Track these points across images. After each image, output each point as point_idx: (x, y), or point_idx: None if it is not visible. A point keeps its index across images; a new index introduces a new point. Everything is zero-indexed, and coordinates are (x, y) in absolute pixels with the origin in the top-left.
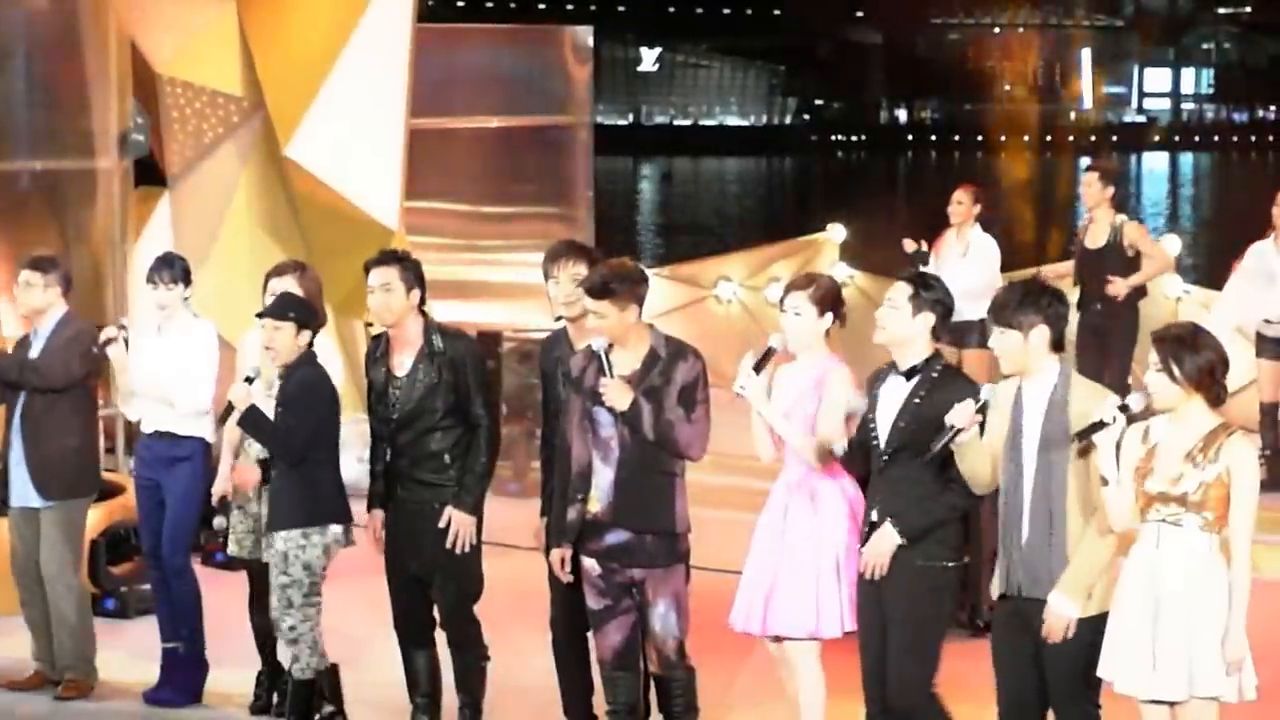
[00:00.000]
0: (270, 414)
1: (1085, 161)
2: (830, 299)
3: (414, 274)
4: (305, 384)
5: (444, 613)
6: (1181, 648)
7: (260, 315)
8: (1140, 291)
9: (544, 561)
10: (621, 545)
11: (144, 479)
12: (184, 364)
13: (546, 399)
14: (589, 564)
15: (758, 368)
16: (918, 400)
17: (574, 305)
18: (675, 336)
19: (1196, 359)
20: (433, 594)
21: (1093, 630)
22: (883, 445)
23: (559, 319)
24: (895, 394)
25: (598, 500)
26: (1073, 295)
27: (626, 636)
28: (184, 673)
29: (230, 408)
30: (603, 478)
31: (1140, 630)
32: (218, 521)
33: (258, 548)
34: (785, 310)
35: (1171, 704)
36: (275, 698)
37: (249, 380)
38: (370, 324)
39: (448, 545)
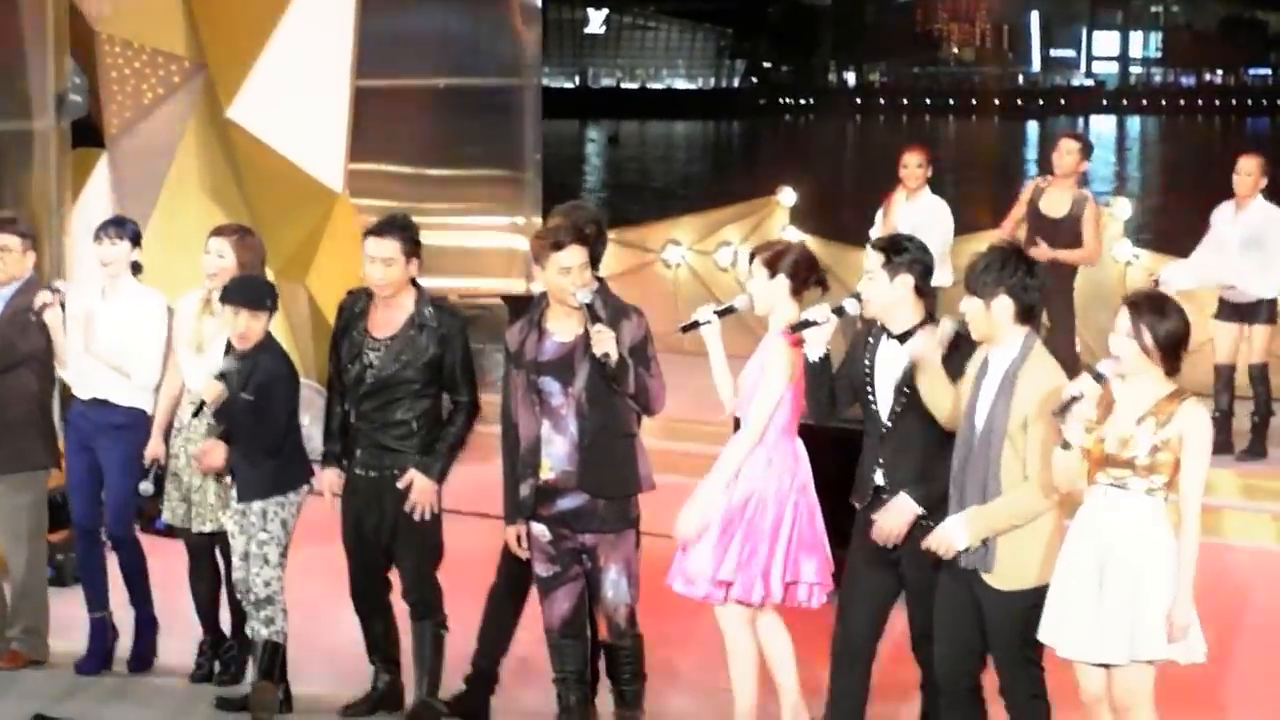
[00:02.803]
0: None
1: (1034, 125)
2: (790, 267)
3: (415, 242)
4: (275, 374)
5: (405, 579)
6: (1124, 611)
7: (231, 303)
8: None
9: (491, 525)
10: (574, 510)
11: (79, 446)
12: (137, 335)
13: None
14: (538, 530)
15: (719, 314)
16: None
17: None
18: (616, 297)
19: (1166, 326)
20: (394, 560)
21: (1033, 595)
22: (884, 411)
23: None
24: (894, 359)
25: (550, 468)
26: None
27: (574, 604)
28: (142, 640)
29: (200, 408)
30: (557, 446)
31: (1083, 593)
32: (144, 486)
33: (188, 519)
34: (750, 273)
35: (1109, 666)
36: (217, 666)
37: (221, 377)
38: (353, 291)
39: (407, 511)
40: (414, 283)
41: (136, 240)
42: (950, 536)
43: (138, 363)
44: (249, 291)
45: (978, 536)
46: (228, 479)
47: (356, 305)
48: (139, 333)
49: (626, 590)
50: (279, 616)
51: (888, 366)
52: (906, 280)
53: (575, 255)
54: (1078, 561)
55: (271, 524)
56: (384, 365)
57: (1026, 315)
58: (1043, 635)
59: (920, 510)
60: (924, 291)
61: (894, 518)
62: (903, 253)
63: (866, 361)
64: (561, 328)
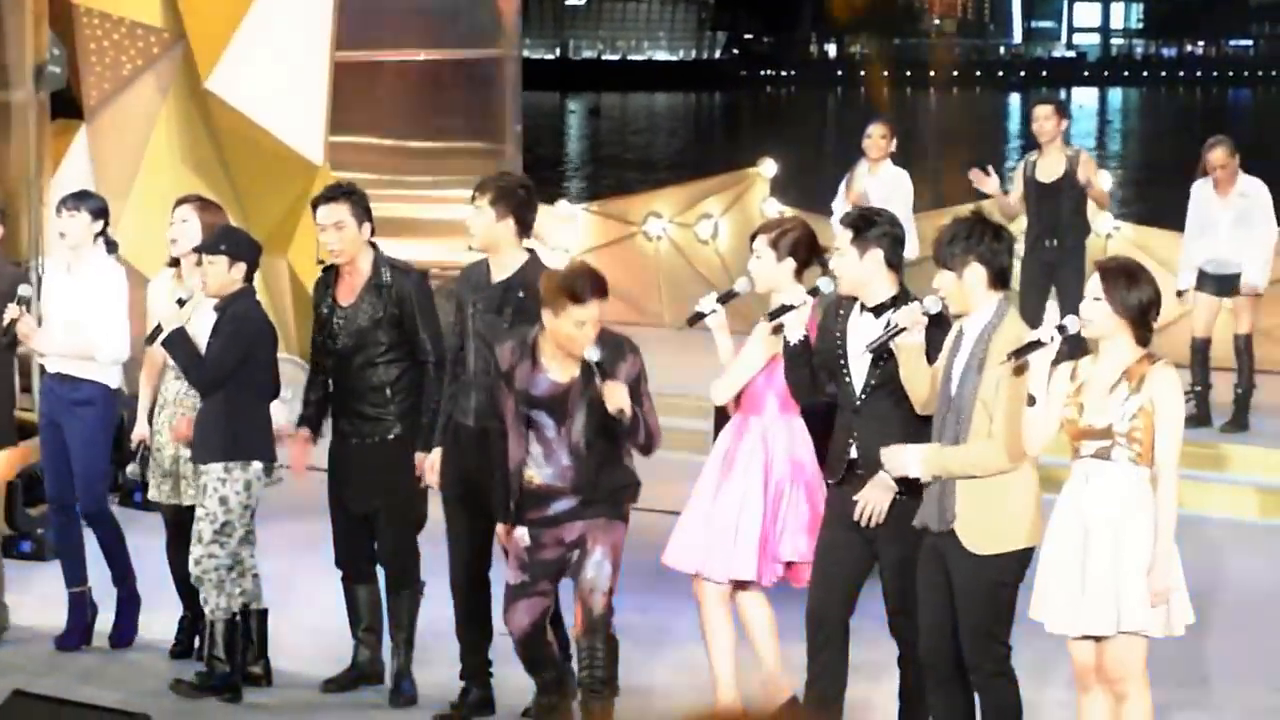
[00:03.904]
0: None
1: (1016, 97)
2: (793, 245)
3: (363, 207)
4: (237, 316)
5: (386, 547)
6: (1109, 581)
7: (195, 250)
8: (1086, 229)
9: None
10: (570, 509)
11: (47, 420)
12: (99, 310)
13: (454, 327)
14: (519, 534)
15: (722, 301)
16: (891, 340)
17: (475, 237)
18: (609, 332)
19: (1137, 293)
20: (375, 528)
21: (999, 569)
22: (858, 384)
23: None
24: (868, 333)
25: (539, 478)
26: (1020, 229)
27: (534, 620)
28: (124, 616)
29: (157, 332)
30: (548, 468)
31: (1069, 567)
32: (131, 469)
33: (176, 493)
34: (752, 252)
35: (1098, 639)
36: (197, 641)
37: (181, 302)
38: (322, 261)
39: (400, 481)
40: (372, 245)
41: (100, 214)
42: (903, 459)
43: (100, 337)
44: (208, 239)
45: (929, 472)
46: None
47: (327, 280)
48: (100, 306)
49: (608, 575)
50: (212, 594)
51: (860, 340)
52: (876, 254)
53: (593, 311)
54: (1062, 536)
55: (209, 500)
56: (348, 332)
57: (999, 280)
58: (1032, 612)
59: (898, 490)
60: (894, 264)
61: (877, 494)
62: (872, 226)
63: (838, 336)
64: (556, 366)
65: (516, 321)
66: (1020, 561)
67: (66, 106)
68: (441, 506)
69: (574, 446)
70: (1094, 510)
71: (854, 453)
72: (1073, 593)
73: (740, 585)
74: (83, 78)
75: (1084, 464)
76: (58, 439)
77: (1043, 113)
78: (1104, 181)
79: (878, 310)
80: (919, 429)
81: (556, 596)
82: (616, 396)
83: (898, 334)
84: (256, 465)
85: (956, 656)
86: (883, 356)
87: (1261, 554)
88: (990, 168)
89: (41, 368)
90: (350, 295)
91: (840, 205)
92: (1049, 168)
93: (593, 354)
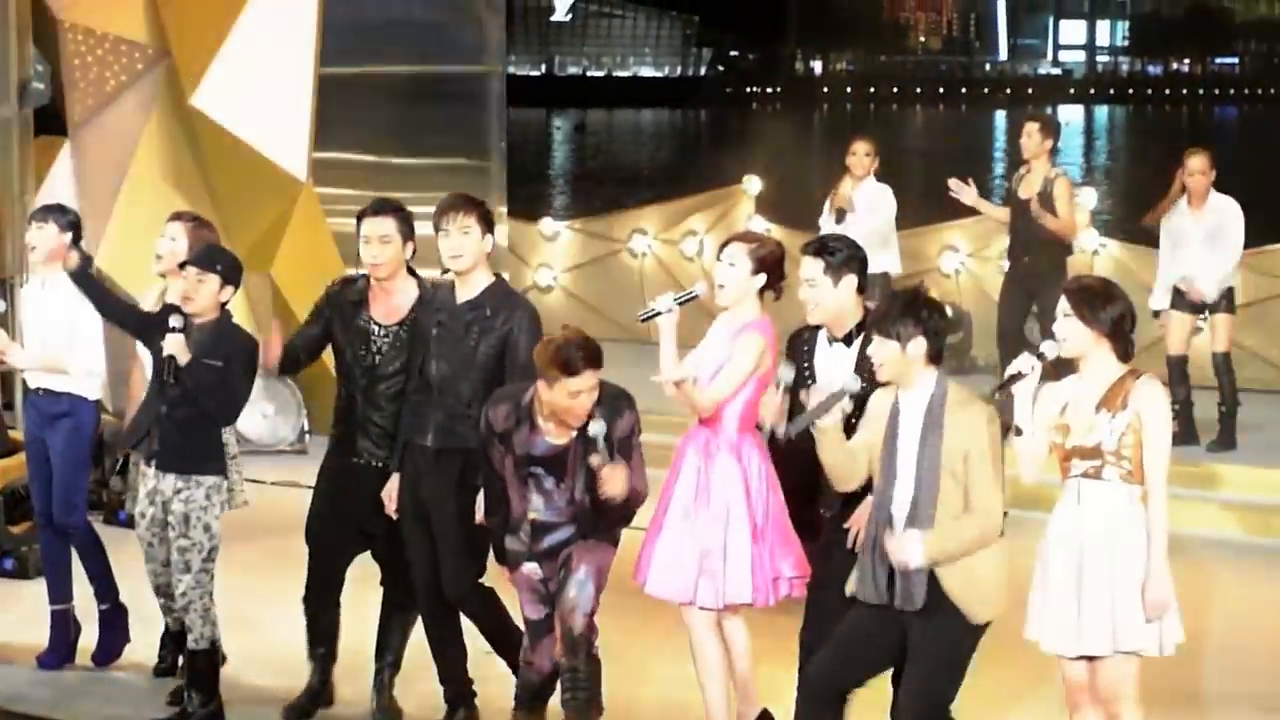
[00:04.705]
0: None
1: (1001, 114)
2: (770, 262)
3: (410, 225)
4: (246, 350)
5: (394, 568)
6: (1105, 601)
7: (184, 264)
8: (1067, 248)
9: None
10: (565, 540)
11: (31, 436)
12: (71, 323)
13: (414, 351)
14: (529, 568)
15: (679, 302)
16: (868, 365)
17: (460, 259)
18: (606, 385)
19: (1108, 309)
20: (383, 551)
21: (974, 636)
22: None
23: (445, 272)
24: (838, 362)
25: (540, 516)
26: (1002, 244)
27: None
28: (107, 633)
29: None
30: (548, 512)
31: (1065, 587)
32: (114, 482)
33: None
34: (721, 259)
35: (1092, 659)
36: (181, 659)
37: (175, 330)
38: (344, 280)
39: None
40: (410, 269)
41: (70, 228)
42: (908, 552)
43: (72, 354)
44: (201, 254)
45: (932, 559)
46: None
47: (349, 295)
48: (74, 321)
49: (590, 595)
50: (197, 622)
51: (830, 370)
52: (851, 282)
53: (588, 381)
54: (1056, 556)
55: (194, 530)
56: (398, 353)
57: (937, 356)
58: (1028, 632)
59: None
60: (862, 289)
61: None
62: (836, 253)
63: (806, 369)
64: (554, 430)
65: (482, 341)
66: (981, 632)
67: (51, 123)
68: (404, 529)
69: (577, 501)
70: (1087, 529)
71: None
72: (1069, 613)
73: (728, 607)
74: (67, 94)
75: (1075, 483)
76: (42, 454)
77: (1028, 130)
78: (1080, 211)
79: (847, 339)
80: None
81: None
82: (614, 482)
83: (830, 407)
84: (215, 479)
85: (849, 690)
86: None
87: (1248, 572)
88: (969, 179)
89: (24, 383)
90: (394, 315)
91: (828, 224)
92: (1030, 184)
93: (597, 429)
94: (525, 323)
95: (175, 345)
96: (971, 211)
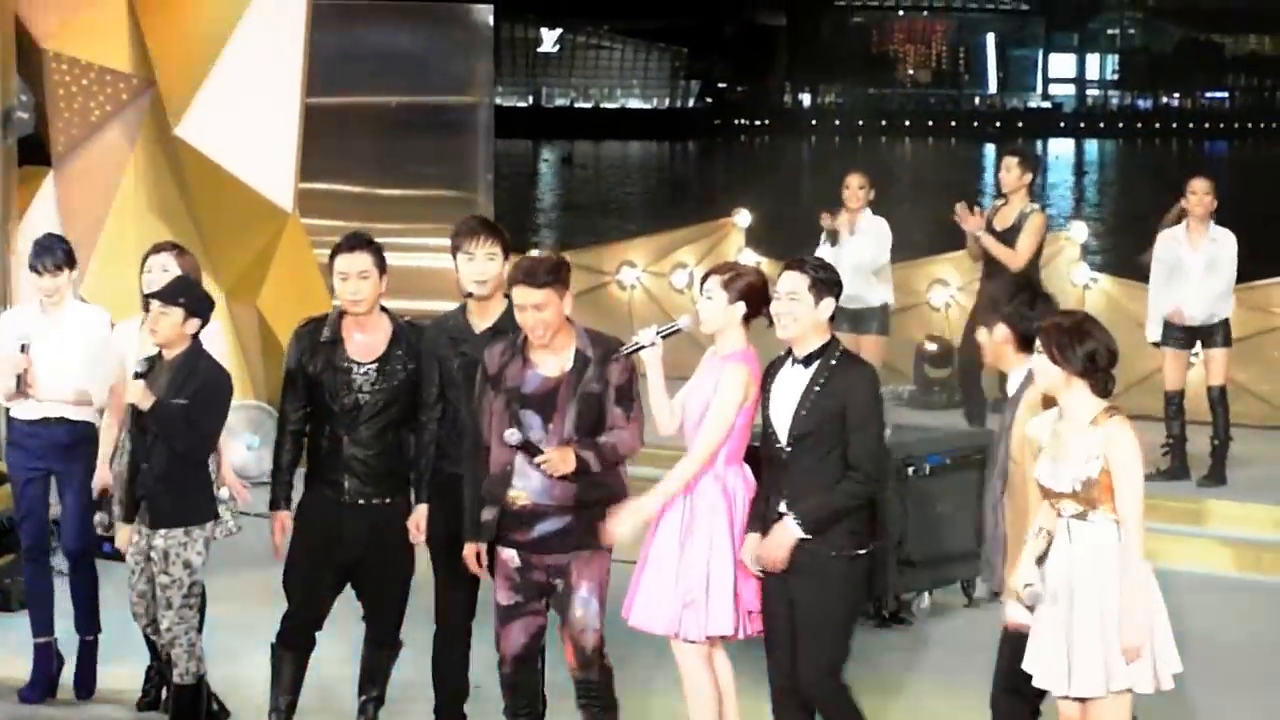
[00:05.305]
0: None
1: (990, 147)
2: (747, 291)
3: (383, 258)
4: (214, 383)
5: (380, 605)
6: (1096, 643)
7: (149, 296)
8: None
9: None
10: (556, 532)
11: (34, 469)
12: (89, 356)
13: (430, 382)
14: (508, 555)
15: (663, 335)
16: (818, 388)
17: (485, 284)
18: (599, 332)
19: (1079, 347)
20: (368, 588)
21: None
22: (783, 436)
23: (469, 295)
24: (793, 382)
25: (526, 496)
26: (950, 271)
27: (530, 638)
28: (89, 664)
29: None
30: (534, 480)
31: (1058, 626)
32: (99, 518)
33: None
34: (701, 293)
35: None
36: (164, 693)
37: (140, 376)
38: (313, 320)
39: (402, 540)
40: (381, 305)
41: (71, 260)
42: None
43: (95, 385)
44: (166, 288)
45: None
46: None
47: (321, 334)
48: (94, 353)
49: (596, 612)
50: (183, 659)
51: (788, 390)
52: (830, 304)
53: (526, 295)
54: (1050, 596)
55: (174, 566)
56: (381, 390)
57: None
58: (1025, 664)
59: (801, 534)
60: (833, 316)
61: (774, 542)
62: (821, 271)
63: (765, 387)
64: (545, 362)
65: (485, 381)
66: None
67: (35, 152)
68: (432, 558)
69: (563, 444)
70: (1078, 570)
71: (784, 507)
72: (1061, 652)
73: (711, 640)
74: (51, 123)
75: (1065, 523)
76: (43, 486)
77: (1007, 164)
78: (1074, 233)
79: (808, 360)
80: (836, 480)
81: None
82: (556, 465)
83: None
84: (210, 524)
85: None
86: (804, 408)
87: (1237, 608)
88: (977, 207)
89: (8, 416)
90: (371, 352)
91: (824, 252)
92: (1006, 216)
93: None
94: None
95: (135, 393)
96: (958, 245)
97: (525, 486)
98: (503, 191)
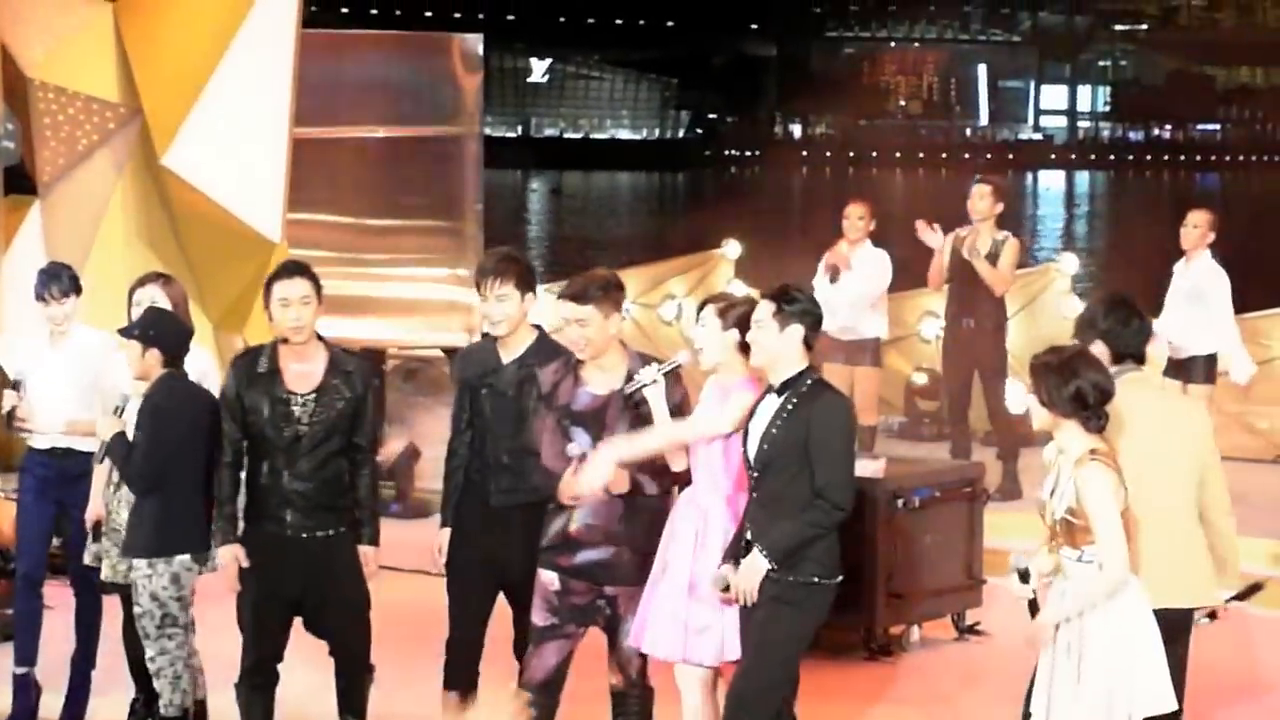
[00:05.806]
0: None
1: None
2: (741, 318)
3: (319, 285)
4: (155, 410)
5: (342, 635)
6: (1101, 682)
7: (119, 331)
8: (1003, 314)
9: (429, 582)
10: (599, 562)
11: (37, 495)
12: (85, 386)
13: (461, 409)
14: (548, 578)
15: (664, 373)
16: (785, 414)
17: (498, 325)
18: (651, 355)
19: (1065, 388)
20: (325, 621)
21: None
22: (752, 462)
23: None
24: (766, 410)
25: (576, 520)
26: (940, 303)
27: (559, 662)
28: (84, 692)
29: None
30: (590, 516)
31: (1061, 665)
32: (93, 548)
33: (131, 570)
34: (697, 322)
35: None
36: None
37: (118, 411)
38: (248, 351)
39: (350, 569)
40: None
41: (77, 286)
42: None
43: (95, 411)
44: (133, 322)
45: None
46: None
47: (258, 365)
48: (97, 383)
49: None
50: (166, 689)
51: (760, 418)
52: (796, 331)
53: (584, 311)
54: (1056, 634)
55: (141, 596)
56: (319, 420)
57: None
58: (1032, 705)
59: (769, 566)
60: (809, 345)
61: (745, 576)
62: (794, 303)
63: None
64: (595, 379)
65: (539, 401)
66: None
67: (20, 182)
68: (449, 583)
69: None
70: (1064, 604)
71: (750, 535)
72: (1068, 692)
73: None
74: (37, 153)
75: (1068, 564)
76: (46, 515)
77: (980, 192)
78: (1064, 264)
79: (782, 389)
80: (802, 508)
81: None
82: (588, 479)
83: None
84: (183, 558)
85: None
86: (770, 435)
87: (1230, 641)
88: (936, 225)
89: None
90: (307, 381)
91: (822, 285)
92: (979, 245)
93: (645, 374)
94: None
95: (102, 426)
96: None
97: (578, 518)
98: (492, 223)
